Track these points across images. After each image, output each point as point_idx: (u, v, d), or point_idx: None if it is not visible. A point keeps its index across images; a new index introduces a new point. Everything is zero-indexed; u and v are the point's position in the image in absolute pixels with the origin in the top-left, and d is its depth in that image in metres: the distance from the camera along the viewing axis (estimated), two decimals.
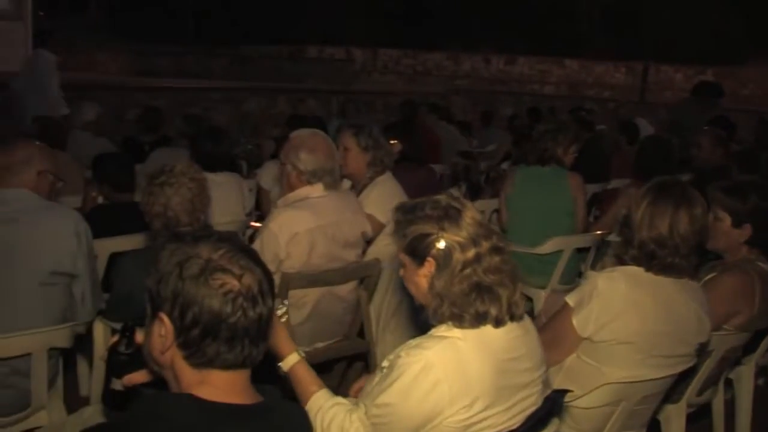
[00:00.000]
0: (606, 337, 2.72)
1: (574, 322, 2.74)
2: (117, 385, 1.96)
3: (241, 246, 1.73)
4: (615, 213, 4.61)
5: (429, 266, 2.20)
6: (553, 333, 2.81)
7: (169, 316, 1.64)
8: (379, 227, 4.29)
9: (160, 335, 1.66)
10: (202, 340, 1.63)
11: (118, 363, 1.95)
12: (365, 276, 3.92)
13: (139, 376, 1.91)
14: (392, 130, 5.46)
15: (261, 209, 5.62)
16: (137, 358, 1.88)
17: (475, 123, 12.77)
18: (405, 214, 2.29)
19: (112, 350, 1.95)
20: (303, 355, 2.29)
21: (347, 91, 15.42)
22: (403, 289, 2.37)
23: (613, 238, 4.49)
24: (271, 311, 1.70)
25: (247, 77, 16.56)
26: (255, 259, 1.71)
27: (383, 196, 4.39)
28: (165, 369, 1.71)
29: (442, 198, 2.27)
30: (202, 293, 1.62)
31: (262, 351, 1.70)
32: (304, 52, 24.01)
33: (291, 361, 2.26)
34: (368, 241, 4.16)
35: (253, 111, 12.25)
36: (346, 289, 3.88)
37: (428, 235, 2.20)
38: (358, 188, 4.52)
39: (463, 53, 23.42)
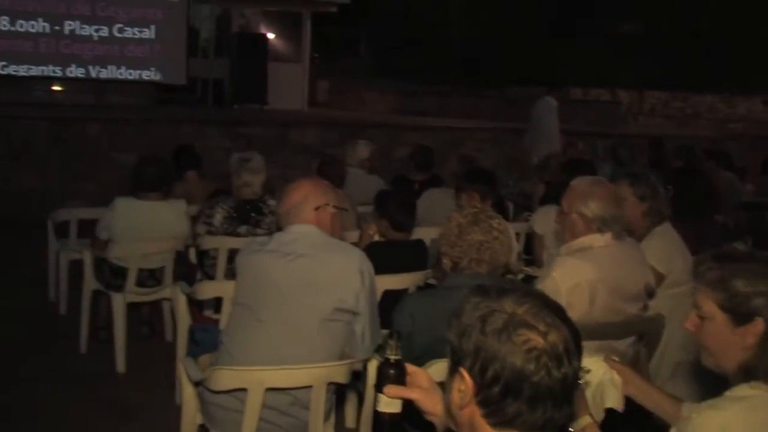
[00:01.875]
0: None
1: None
2: (382, 405, 1.93)
3: (547, 301, 1.65)
4: None
5: (756, 326, 2.04)
6: None
7: (470, 371, 1.60)
8: (659, 280, 4.07)
9: (460, 390, 1.62)
10: (502, 398, 1.56)
11: (386, 375, 1.93)
12: (647, 331, 3.71)
13: (402, 391, 1.90)
14: (668, 177, 5.20)
15: (533, 254, 5.51)
16: (402, 372, 1.90)
17: (753, 169, 11.97)
18: (724, 265, 2.12)
19: (382, 364, 1.96)
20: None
21: (613, 134, 14.97)
22: (685, 349, 2.22)
23: None
24: (577, 372, 1.61)
25: (513, 118, 16.59)
26: (561, 315, 1.62)
27: (663, 248, 4.19)
28: (463, 427, 1.65)
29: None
30: (504, 349, 1.56)
31: (565, 415, 1.60)
32: (569, 93, 23.72)
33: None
34: (649, 294, 3.94)
35: (519, 152, 12.21)
36: (625, 344, 3.69)
37: (761, 293, 2.04)
38: (634, 239, 4.32)
39: (738, 95, 22.16)
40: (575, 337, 1.60)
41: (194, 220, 5.48)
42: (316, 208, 3.27)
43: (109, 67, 15.05)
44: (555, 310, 1.63)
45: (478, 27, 26.57)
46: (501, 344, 1.56)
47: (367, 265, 3.31)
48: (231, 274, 5.15)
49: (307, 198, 3.28)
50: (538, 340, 1.55)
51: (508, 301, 1.61)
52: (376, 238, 4.76)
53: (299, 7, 18.67)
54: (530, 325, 1.56)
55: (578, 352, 1.60)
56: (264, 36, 17.44)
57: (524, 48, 25.56)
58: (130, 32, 15.09)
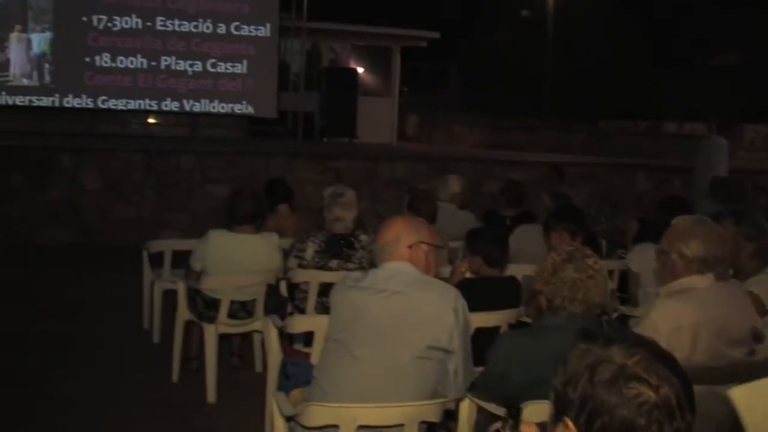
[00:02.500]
0: None
1: None
2: None
3: (658, 352, 1.59)
4: None
5: None
6: None
7: (575, 421, 1.54)
8: None
9: None
10: None
11: None
12: (755, 377, 3.55)
13: None
14: None
15: (628, 293, 5.38)
16: None
17: None
18: None
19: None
20: None
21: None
22: None
23: None
24: (690, 426, 1.53)
25: (604, 153, 16.35)
26: (673, 367, 1.56)
27: None
28: None
29: None
30: (613, 401, 1.50)
31: None
32: (663, 127, 23.26)
33: None
34: (756, 339, 3.78)
35: (612, 188, 12.00)
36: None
37: None
38: (739, 280, 4.16)
39: None
40: (688, 389, 1.55)
41: (286, 253, 5.52)
42: (410, 246, 3.26)
43: (203, 100, 15.46)
44: (667, 361, 1.57)
45: (569, 59, 26.36)
46: (610, 396, 1.51)
47: (462, 303, 3.27)
48: (322, 307, 5.18)
49: (401, 236, 3.28)
50: (649, 394, 1.50)
51: (618, 351, 1.55)
52: (468, 274, 4.71)
53: (389, 42, 18.88)
54: (641, 377, 1.51)
55: (691, 406, 1.54)
56: (354, 70, 17.68)
57: (617, 81, 25.24)
58: (223, 67, 15.47)
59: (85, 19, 14.97)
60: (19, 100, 14.99)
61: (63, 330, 6.74)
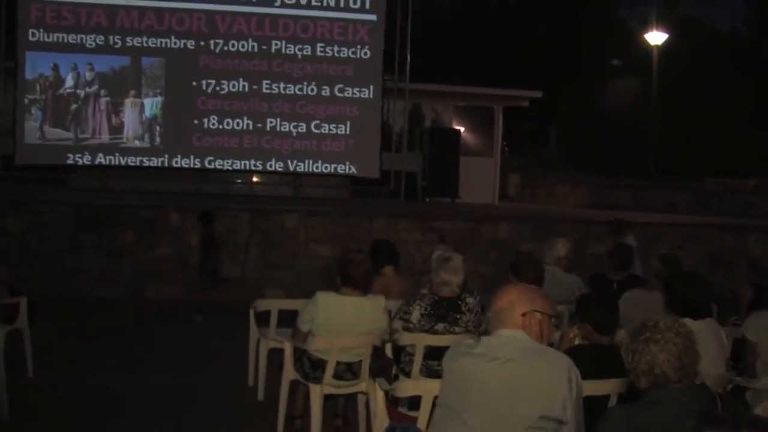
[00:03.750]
0: None
1: None
2: None
3: None
4: None
5: None
6: None
7: None
8: None
9: None
10: None
11: None
12: None
13: None
14: None
15: (744, 363, 5.16)
16: None
17: None
18: None
19: None
20: None
21: None
22: None
23: None
24: None
25: (712, 212, 15.91)
26: None
27: None
28: None
29: None
30: None
31: None
32: None
33: None
34: None
35: (722, 250, 11.65)
36: None
37: None
38: None
39: None
40: None
41: (391, 315, 5.53)
42: (524, 314, 3.24)
43: (306, 161, 15.75)
44: None
45: (673, 117, 25.92)
46: None
47: (575, 373, 3.21)
48: (428, 371, 5.16)
49: (515, 303, 3.26)
50: None
51: None
52: (577, 341, 4.61)
53: (491, 102, 18.93)
54: None
55: None
56: (456, 130, 17.77)
57: (725, 137, 24.65)
58: (326, 128, 15.77)
59: (194, 83, 15.57)
60: (131, 161, 15.63)
61: (170, 382, 6.91)
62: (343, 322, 5.27)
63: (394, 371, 5.47)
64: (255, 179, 17.12)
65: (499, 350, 3.18)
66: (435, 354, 5.19)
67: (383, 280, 6.35)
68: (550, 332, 3.40)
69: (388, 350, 5.66)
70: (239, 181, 17.25)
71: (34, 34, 15.49)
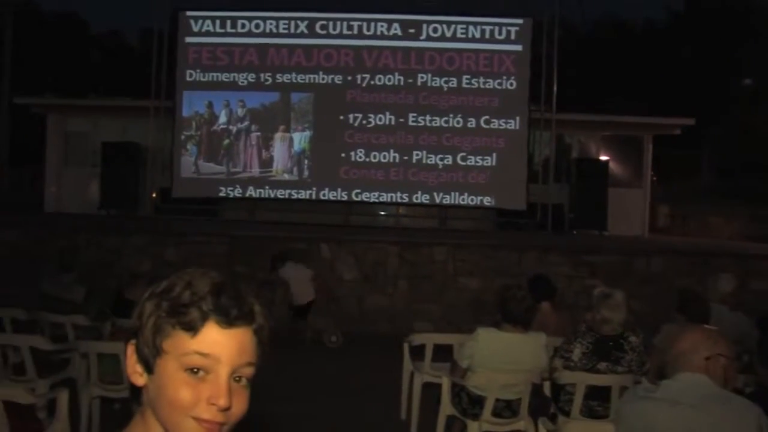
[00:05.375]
0: None
1: None
2: None
3: None
4: None
5: None
6: None
7: None
8: None
9: None
10: None
11: None
12: None
13: None
14: None
15: None
16: None
17: None
18: None
19: None
20: None
21: None
22: None
23: None
24: None
25: None
26: None
27: None
28: None
29: None
30: None
31: None
32: None
33: None
34: None
35: None
36: None
37: None
38: None
39: None
40: None
41: (551, 352, 5.42)
42: (708, 358, 3.08)
43: (452, 193, 15.79)
44: None
45: None
46: None
47: (765, 421, 3.03)
48: (588, 411, 5.03)
49: (698, 346, 3.11)
50: None
51: None
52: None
53: (640, 131, 18.46)
54: None
55: None
56: (604, 161, 17.38)
57: None
58: (472, 160, 15.78)
59: (341, 117, 15.95)
60: (280, 194, 16.11)
61: (321, 412, 7.01)
62: (504, 358, 5.20)
63: (552, 410, 5.36)
64: (400, 211, 17.28)
65: (681, 395, 3.04)
66: (596, 394, 5.06)
67: (540, 316, 6.24)
68: (735, 377, 3.23)
69: (547, 388, 5.55)
70: (383, 213, 17.45)
71: (191, 75, 16.29)
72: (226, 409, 1.44)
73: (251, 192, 16.22)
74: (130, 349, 1.52)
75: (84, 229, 12.21)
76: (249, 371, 1.49)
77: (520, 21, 15.97)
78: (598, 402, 5.09)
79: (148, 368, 1.49)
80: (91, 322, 6.63)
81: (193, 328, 1.45)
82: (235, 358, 1.46)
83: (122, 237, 11.88)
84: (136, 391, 1.53)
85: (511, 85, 15.81)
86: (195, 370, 1.44)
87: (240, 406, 1.47)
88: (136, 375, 1.51)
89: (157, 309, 1.48)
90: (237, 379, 1.47)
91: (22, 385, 5.00)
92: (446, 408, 5.58)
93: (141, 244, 11.72)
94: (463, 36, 16.00)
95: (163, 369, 1.46)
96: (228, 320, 1.46)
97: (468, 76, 15.85)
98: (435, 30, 15.99)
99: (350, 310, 11.25)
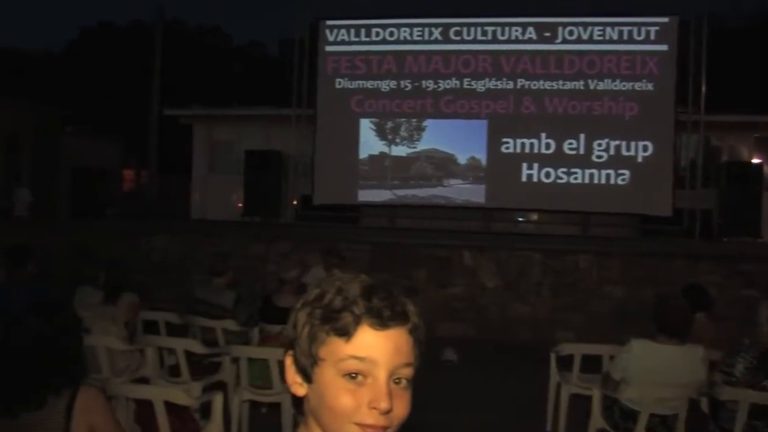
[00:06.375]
0: None
1: None
2: None
3: None
4: None
5: None
6: None
7: None
8: None
9: None
10: None
11: None
12: None
13: None
14: None
15: None
16: None
17: None
18: None
19: None
20: None
21: None
22: None
23: None
24: None
25: None
26: None
27: None
28: None
29: None
30: None
31: None
32: None
33: None
34: None
35: None
36: None
37: None
38: None
39: None
40: None
41: (710, 366, 5.17)
42: None
43: (596, 198, 15.35)
44: None
45: None
46: None
47: None
48: (751, 431, 4.75)
49: None
50: None
51: None
52: None
53: None
54: None
55: None
56: (757, 164, 16.56)
57: None
58: (617, 165, 15.30)
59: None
60: (419, 200, 16.12)
61: (464, 423, 6.91)
62: (659, 372, 4.98)
63: (711, 427, 5.11)
64: (541, 218, 16.98)
65: None
66: (761, 413, 4.78)
67: (696, 328, 5.96)
68: None
69: (704, 405, 5.29)
70: (526, 219, 17.20)
71: (337, 82, 16.49)
72: (388, 412, 1.42)
73: (392, 196, 16.27)
74: (288, 360, 1.53)
75: (231, 235, 12.59)
76: (408, 372, 1.48)
77: (665, 19, 15.37)
78: (763, 422, 4.81)
79: (307, 378, 1.49)
80: (241, 327, 6.77)
81: (346, 333, 1.44)
82: (392, 359, 1.45)
83: (266, 243, 12.15)
84: (298, 402, 1.53)
85: (656, 86, 15.25)
86: (353, 375, 1.43)
87: (402, 408, 1.46)
88: (296, 385, 1.52)
89: (311, 317, 1.48)
90: (396, 381, 1.46)
91: (181, 387, 5.16)
92: (597, 421, 5.40)
93: (285, 250, 11.94)
94: (600, 38, 15.54)
95: (322, 377, 1.46)
96: (381, 322, 1.45)
97: (610, 79, 15.39)
98: (571, 33, 15.60)
99: (493, 318, 11.12)
